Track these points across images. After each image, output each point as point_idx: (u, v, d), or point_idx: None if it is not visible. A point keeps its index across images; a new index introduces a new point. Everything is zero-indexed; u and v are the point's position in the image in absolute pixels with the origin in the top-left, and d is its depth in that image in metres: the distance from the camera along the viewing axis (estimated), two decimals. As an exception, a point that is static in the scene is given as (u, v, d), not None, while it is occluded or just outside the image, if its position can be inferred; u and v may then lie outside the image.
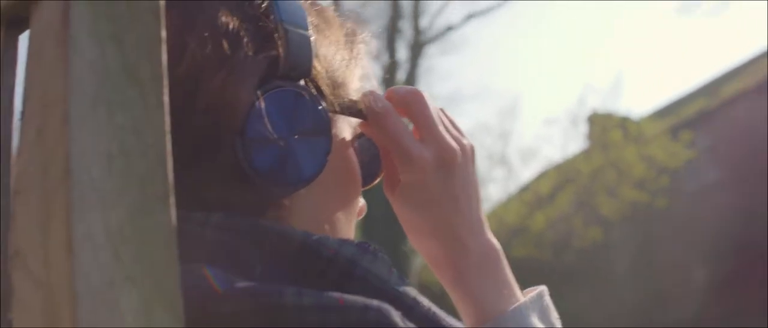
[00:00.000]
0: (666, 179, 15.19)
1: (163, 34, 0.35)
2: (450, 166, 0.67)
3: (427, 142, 0.67)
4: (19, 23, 0.45)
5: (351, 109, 0.66)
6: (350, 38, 0.71)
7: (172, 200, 0.34)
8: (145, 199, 0.33)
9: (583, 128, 16.95)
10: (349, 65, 0.69)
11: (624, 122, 16.09)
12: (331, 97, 0.64)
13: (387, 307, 0.51)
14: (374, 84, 0.71)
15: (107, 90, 0.33)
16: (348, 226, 0.69)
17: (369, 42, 0.73)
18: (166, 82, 0.35)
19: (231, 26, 0.60)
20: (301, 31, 0.61)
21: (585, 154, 16.10)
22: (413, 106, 0.68)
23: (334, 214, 0.67)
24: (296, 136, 0.59)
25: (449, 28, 14.87)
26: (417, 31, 14.62)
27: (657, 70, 27.85)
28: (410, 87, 0.69)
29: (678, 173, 15.66)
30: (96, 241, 0.31)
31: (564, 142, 19.83)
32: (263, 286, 0.51)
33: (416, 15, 14.62)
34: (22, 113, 0.40)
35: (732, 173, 16.45)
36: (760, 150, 15.82)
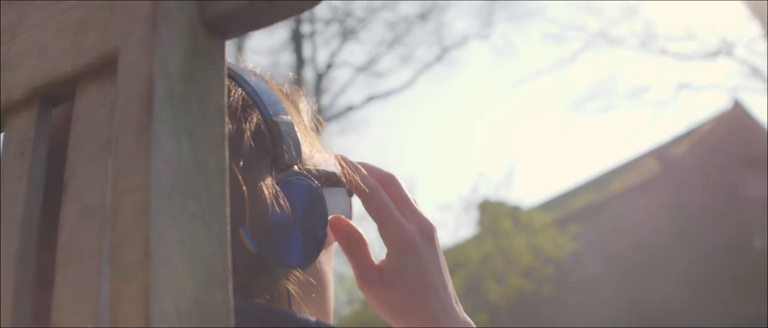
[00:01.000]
0: (552, 269, 15.63)
1: (226, 130, 0.38)
2: (431, 238, 0.70)
3: (408, 218, 0.70)
4: (55, 99, 0.47)
5: (331, 180, 0.69)
6: (298, 108, 0.74)
7: (231, 285, 0.36)
8: (209, 284, 0.35)
9: (475, 215, 17.33)
10: (309, 136, 0.72)
11: (514, 212, 16.56)
12: (316, 173, 0.67)
13: None
14: (325, 152, 0.74)
15: (180, 181, 0.36)
16: (331, 303, 0.71)
17: (308, 109, 0.77)
18: (227, 174, 0.38)
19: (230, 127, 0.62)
20: (284, 117, 0.65)
21: (476, 241, 16.43)
22: (391, 185, 0.72)
23: (327, 291, 0.70)
24: (307, 220, 0.62)
25: (350, 108, 15.09)
26: (318, 108, 14.76)
27: (548, 164, 28.95)
28: (386, 171, 0.73)
29: (564, 264, 16.16)
30: (169, 321, 0.33)
31: (456, 228, 20.19)
32: None
33: (318, 92, 14.80)
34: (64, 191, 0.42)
35: (614, 266, 17.11)
36: (642, 245, 16.56)
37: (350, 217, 0.72)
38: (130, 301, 0.33)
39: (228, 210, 0.37)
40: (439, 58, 15.22)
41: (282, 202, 0.60)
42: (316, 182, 0.65)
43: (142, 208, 0.34)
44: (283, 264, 0.61)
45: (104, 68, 0.42)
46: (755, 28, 12.43)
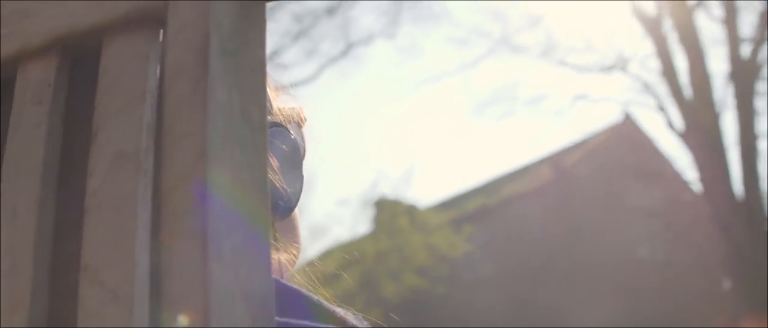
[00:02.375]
0: (445, 268, 15.93)
1: (267, 87, 0.41)
2: None
3: None
4: (76, 50, 0.48)
5: (291, 119, 0.72)
6: None
7: (270, 231, 0.39)
8: (253, 229, 0.38)
9: (373, 212, 17.46)
10: None
11: (411, 210, 16.80)
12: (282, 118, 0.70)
13: None
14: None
15: (231, 131, 0.38)
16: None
17: None
18: (267, 129, 0.40)
19: None
20: None
21: (372, 237, 16.57)
22: None
23: (298, 229, 0.74)
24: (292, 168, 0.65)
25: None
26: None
27: (446, 165, 29.42)
28: None
29: (457, 263, 16.50)
30: (224, 260, 0.35)
31: (353, 224, 20.28)
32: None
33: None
34: (94, 136, 0.44)
35: (504, 267, 17.58)
36: (531, 249, 17.09)
37: (305, 150, 0.74)
38: (185, 241, 0.35)
39: (267, 163, 0.39)
40: (344, 53, 15.26)
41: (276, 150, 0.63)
42: (287, 128, 0.67)
43: (198, 152, 0.36)
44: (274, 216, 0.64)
45: (135, 23, 0.43)
46: (649, 45, 12.99)
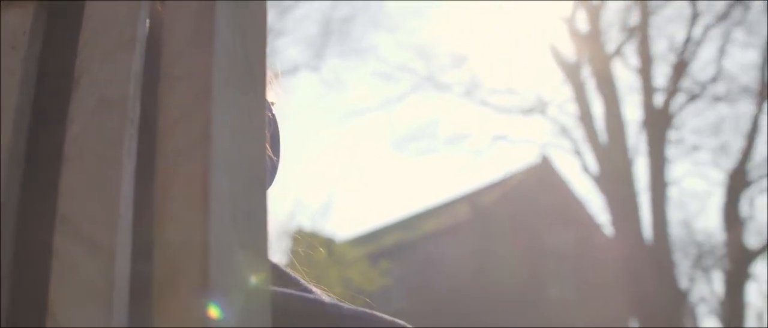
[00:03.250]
0: (361, 302, 15.85)
1: (267, 35, 0.39)
2: None
3: None
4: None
5: None
6: None
7: (266, 187, 0.37)
8: (251, 178, 0.36)
9: (288, 243, 17.30)
10: None
11: (328, 243, 16.73)
12: None
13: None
14: None
15: (234, 73, 0.36)
16: None
17: None
18: (266, 78, 0.38)
19: None
20: None
21: (287, 269, 16.40)
22: None
23: None
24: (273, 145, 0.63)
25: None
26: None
27: (366, 199, 29.47)
28: None
29: (372, 297, 16.48)
30: (223, 203, 0.34)
31: (269, 254, 20.00)
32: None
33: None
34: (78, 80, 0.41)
35: (419, 303, 17.63)
36: (446, 285, 17.21)
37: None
38: (184, 180, 0.33)
39: (266, 113, 0.38)
40: (269, 83, 15.19)
41: None
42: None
43: (203, 89, 0.34)
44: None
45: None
46: (568, 90, 13.38)
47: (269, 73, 0.70)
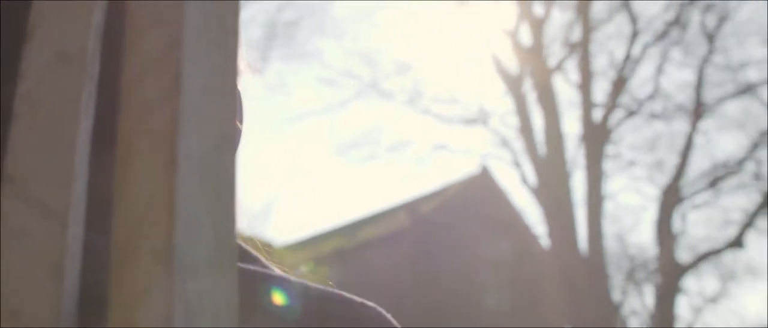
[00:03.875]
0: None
1: (240, -5, 0.37)
2: None
3: None
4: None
5: None
6: None
7: (237, 151, 0.35)
8: (221, 139, 0.33)
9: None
10: None
11: (267, 248, 16.55)
12: None
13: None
14: None
15: (207, 28, 0.34)
16: None
17: None
18: (239, 39, 0.36)
19: None
20: None
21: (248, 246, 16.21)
22: None
23: None
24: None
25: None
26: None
27: (306, 204, 29.33)
28: None
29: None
30: (192, 163, 0.31)
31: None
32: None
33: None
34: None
35: (357, 311, 17.61)
36: (384, 293, 17.21)
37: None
38: (150, 136, 0.31)
39: (238, 75, 0.35)
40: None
41: None
42: None
43: (173, 40, 0.32)
44: None
45: None
46: (509, 102, 13.54)
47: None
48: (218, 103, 0.33)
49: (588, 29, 13.28)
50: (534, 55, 13.22)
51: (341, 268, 18.14)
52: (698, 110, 13.31)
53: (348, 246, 18.68)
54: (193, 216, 0.31)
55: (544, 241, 14.29)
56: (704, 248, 14.02)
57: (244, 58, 0.69)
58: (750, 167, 13.73)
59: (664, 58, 13.51)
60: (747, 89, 13.52)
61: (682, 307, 21.50)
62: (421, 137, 20.80)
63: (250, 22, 16.93)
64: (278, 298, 0.53)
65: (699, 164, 15.95)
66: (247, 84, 0.67)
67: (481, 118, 14.16)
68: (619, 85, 13.19)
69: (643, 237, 21.58)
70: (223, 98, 0.34)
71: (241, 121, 0.62)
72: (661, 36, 13.31)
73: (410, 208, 18.75)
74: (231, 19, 0.35)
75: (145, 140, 0.31)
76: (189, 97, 0.31)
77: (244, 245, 0.58)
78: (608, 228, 16.20)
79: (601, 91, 13.59)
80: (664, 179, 13.72)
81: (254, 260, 0.57)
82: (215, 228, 0.32)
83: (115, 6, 0.39)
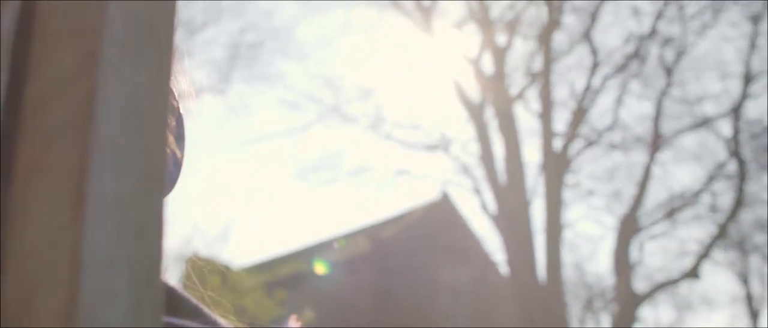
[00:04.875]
0: (255, 332, 15.62)
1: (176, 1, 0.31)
2: None
3: None
4: None
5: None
6: None
7: (165, 186, 0.29)
8: (147, 176, 0.27)
9: (182, 268, 16.85)
10: None
11: (224, 270, 16.35)
12: None
13: None
14: None
15: (132, 39, 0.28)
16: None
17: None
18: (174, 50, 0.30)
19: None
20: None
21: (189, 295, 15.96)
22: None
23: None
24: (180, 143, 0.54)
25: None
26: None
27: (265, 227, 29.05)
28: None
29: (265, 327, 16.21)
30: (105, 204, 0.25)
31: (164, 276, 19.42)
32: None
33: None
34: None
35: (314, 336, 17.42)
36: (342, 318, 17.07)
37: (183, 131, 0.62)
38: (55, 171, 0.25)
39: (170, 95, 0.29)
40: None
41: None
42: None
43: (88, 53, 0.26)
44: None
45: None
46: (471, 130, 13.59)
47: (178, 52, 0.61)
48: (143, 130, 0.27)
49: (549, 59, 13.41)
50: (496, 84, 13.30)
51: (299, 292, 17.96)
52: (656, 142, 13.48)
53: (306, 270, 18.51)
54: (105, 272, 0.25)
55: (503, 268, 14.30)
56: (661, 278, 14.16)
57: (187, 76, 0.62)
58: (706, 198, 13.94)
59: (623, 90, 13.70)
60: (704, 123, 13.75)
61: (638, 336, 21.66)
62: (383, 162, 20.79)
63: (213, 43, 16.83)
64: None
65: (656, 194, 16.14)
66: (193, 106, 0.61)
67: (442, 145, 14.18)
68: (579, 115, 13.32)
69: (601, 266, 21.78)
70: (150, 124, 0.28)
71: (182, 148, 0.56)
72: (621, 68, 13.50)
73: (370, 233, 18.67)
74: (164, 28, 0.29)
75: (49, 176, 0.25)
76: (104, 123, 0.25)
77: (182, 293, 0.51)
78: (567, 257, 16.28)
79: (561, 120, 13.72)
80: (622, 208, 13.85)
81: (194, 313, 0.50)
82: (135, 284, 0.26)
83: (28, 8, 0.32)
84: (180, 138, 0.56)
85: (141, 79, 0.28)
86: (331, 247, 17.19)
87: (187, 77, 0.62)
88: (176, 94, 0.57)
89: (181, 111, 0.57)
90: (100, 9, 0.27)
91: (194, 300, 0.53)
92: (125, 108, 0.27)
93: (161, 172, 0.28)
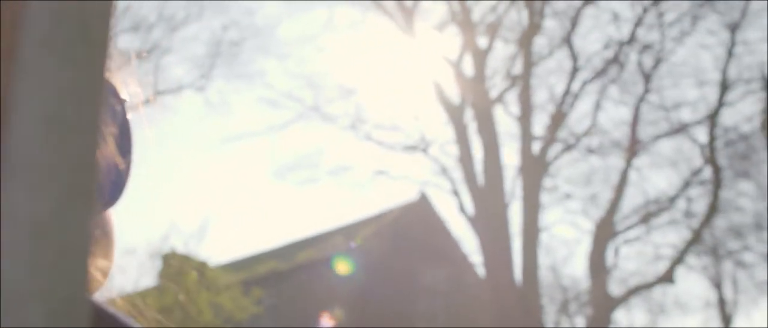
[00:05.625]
0: (229, 329, 15.51)
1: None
2: None
3: None
4: None
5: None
6: None
7: (93, 202, 0.25)
8: (71, 191, 0.24)
9: (160, 265, 16.72)
10: None
11: (201, 267, 16.23)
12: None
13: None
14: None
15: (60, 32, 0.25)
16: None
17: None
18: (109, 51, 0.27)
19: None
20: None
21: (156, 291, 15.82)
22: None
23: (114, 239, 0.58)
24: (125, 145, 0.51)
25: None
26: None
27: (243, 224, 28.90)
28: None
29: (242, 325, 16.10)
30: (17, 225, 0.23)
31: (138, 275, 19.27)
32: None
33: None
34: None
35: (289, 335, 17.37)
36: (318, 317, 17.03)
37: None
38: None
39: (102, 97, 0.26)
40: (150, 100, 14.68)
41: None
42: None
43: (4, 50, 0.23)
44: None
45: None
46: (450, 132, 13.60)
47: (115, 46, 0.57)
48: (67, 141, 0.24)
49: (529, 63, 13.46)
50: (476, 86, 13.32)
51: (276, 290, 17.89)
52: (633, 147, 13.57)
53: (283, 269, 18.44)
54: (18, 309, 0.23)
55: (480, 270, 14.32)
56: (636, 282, 14.25)
57: (133, 82, 0.58)
58: (681, 204, 14.05)
59: (602, 95, 13.78)
60: (680, 129, 13.86)
61: (613, 340, 21.78)
62: (362, 162, 20.78)
63: (194, 39, 16.73)
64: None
65: (632, 199, 16.25)
66: (140, 116, 0.57)
67: (421, 146, 14.17)
68: (558, 119, 13.37)
69: (577, 270, 21.87)
70: (76, 135, 0.25)
71: (127, 160, 0.52)
72: (600, 73, 13.57)
73: (348, 232, 18.63)
74: (97, 24, 0.26)
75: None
76: (19, 134, 0.22)
77: (116, 315, 0.48)
78: (543, 259, 16.35)
79: (540, 124, 13.77)
80: (598, 212, 13.93)
81: None
82: (53, 320, 0.23)
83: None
84: (125, 149, 0.52)
85: (68, 78, 0.25)
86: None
87: (137, 80, 0.58)
88: (122, 100, 0.53)
89: (128, 118, 0.53)
90: (20, 1, 0.24)
91: (128, 322, 0.50)
92: (46, 116, 0.24)
93: (89, 190, 0.25)
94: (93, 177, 0.25)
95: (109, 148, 0.49)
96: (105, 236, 0.52)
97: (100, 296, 0.50)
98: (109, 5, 0.27)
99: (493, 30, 13.71)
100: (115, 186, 0.51)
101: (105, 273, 0.53)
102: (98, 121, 0.26)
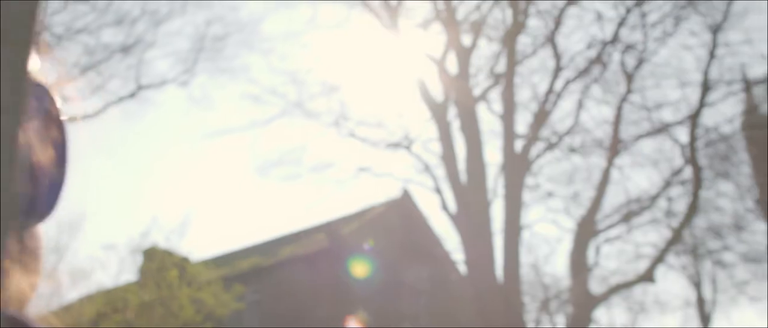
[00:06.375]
0: (211, 325, 15.46)
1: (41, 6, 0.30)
2: None
3: None
4: None
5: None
6: None
7: (8, 234, 0.27)
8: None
9: (140, 260, 16.66)
10: None
11: (182, 263, 16.18)
12: None
13: None
14: None
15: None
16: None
17: None
18: (31, 45, 0.29)
19: None
20: None
21: (137, 287, 15.76)
22: None
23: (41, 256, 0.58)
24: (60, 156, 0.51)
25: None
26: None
27: (224, 220, 28.84)
28: None
29: (223, 321, 16.07)
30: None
31: (119, 271, 19.18)
32: None
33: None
34: None
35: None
36: (300, 314, 17.02)
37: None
38: None
39: (23, 99, 0.28)
40: (133, 95, 14.61)
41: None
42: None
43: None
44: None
45: None
46: (433, 129, 13.62)
47: (40, 39, 0.55)
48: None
49: (513, 62, 13.50)
50: (459, 84, 13.35)
51: (258, 286, 17.87)
52: (615, 146, 13.65)
53: (265, 265, 18.42)
54: None
55: (462, 268, 14.37)
56: (616, 280, 14.35)
57: (74, 92, 0.57)
58: (662, 203, 14.16)
59: (584, 94, 13.85)
60: (662, 129, 13.96)
61: (593, 338, 21.93)
62: (345, 159, 20.77)
63: (178, 34, 16.65)
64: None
65: (614, 198, 16.36)
66: (80, 126, 0.57)
67: (404, 143, 14.19)
68: (541, 118, 13.43)
69: (558, 268, 21.99)
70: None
71: (62, 171, 0.52)
72: (583, 73, 13.64)
73: (330, 229, 18.63)
74: (21, 27, 0.28)
75: None
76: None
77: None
78: (524, 257, 16.44)
79: (523, 122, 13.82)
80: (579, 211, 14.01)
81: None
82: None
83: None
84: (61, 158, 0.51)
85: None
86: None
87: (74, 86, 0.56)
88: (57, 108, 0.52)
89: (64, 127, 0.53)
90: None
91: None
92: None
93: (10, 205, 0.26)
94: (10, 191, 0.27)
95: (44, 160, 0.49)
96: (31, 252, 0.52)
97: (28, 310, 0.50)
98: (36, 7, 0.29)
99: (477, 28, 13.76)
100: (48, 199, 0.51)
101: (33, 289, 0.52)
102: (16, 128, 0.28)
